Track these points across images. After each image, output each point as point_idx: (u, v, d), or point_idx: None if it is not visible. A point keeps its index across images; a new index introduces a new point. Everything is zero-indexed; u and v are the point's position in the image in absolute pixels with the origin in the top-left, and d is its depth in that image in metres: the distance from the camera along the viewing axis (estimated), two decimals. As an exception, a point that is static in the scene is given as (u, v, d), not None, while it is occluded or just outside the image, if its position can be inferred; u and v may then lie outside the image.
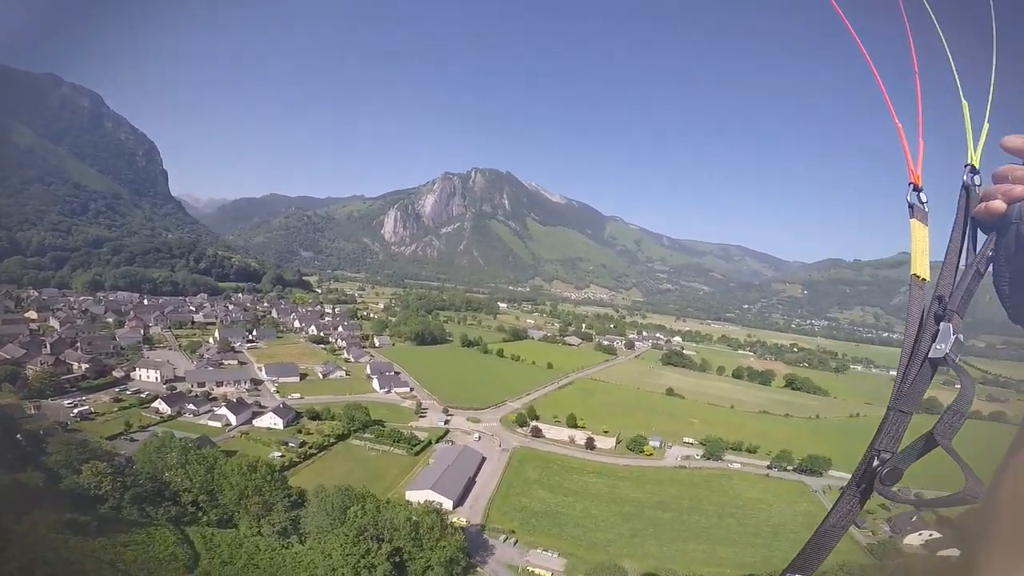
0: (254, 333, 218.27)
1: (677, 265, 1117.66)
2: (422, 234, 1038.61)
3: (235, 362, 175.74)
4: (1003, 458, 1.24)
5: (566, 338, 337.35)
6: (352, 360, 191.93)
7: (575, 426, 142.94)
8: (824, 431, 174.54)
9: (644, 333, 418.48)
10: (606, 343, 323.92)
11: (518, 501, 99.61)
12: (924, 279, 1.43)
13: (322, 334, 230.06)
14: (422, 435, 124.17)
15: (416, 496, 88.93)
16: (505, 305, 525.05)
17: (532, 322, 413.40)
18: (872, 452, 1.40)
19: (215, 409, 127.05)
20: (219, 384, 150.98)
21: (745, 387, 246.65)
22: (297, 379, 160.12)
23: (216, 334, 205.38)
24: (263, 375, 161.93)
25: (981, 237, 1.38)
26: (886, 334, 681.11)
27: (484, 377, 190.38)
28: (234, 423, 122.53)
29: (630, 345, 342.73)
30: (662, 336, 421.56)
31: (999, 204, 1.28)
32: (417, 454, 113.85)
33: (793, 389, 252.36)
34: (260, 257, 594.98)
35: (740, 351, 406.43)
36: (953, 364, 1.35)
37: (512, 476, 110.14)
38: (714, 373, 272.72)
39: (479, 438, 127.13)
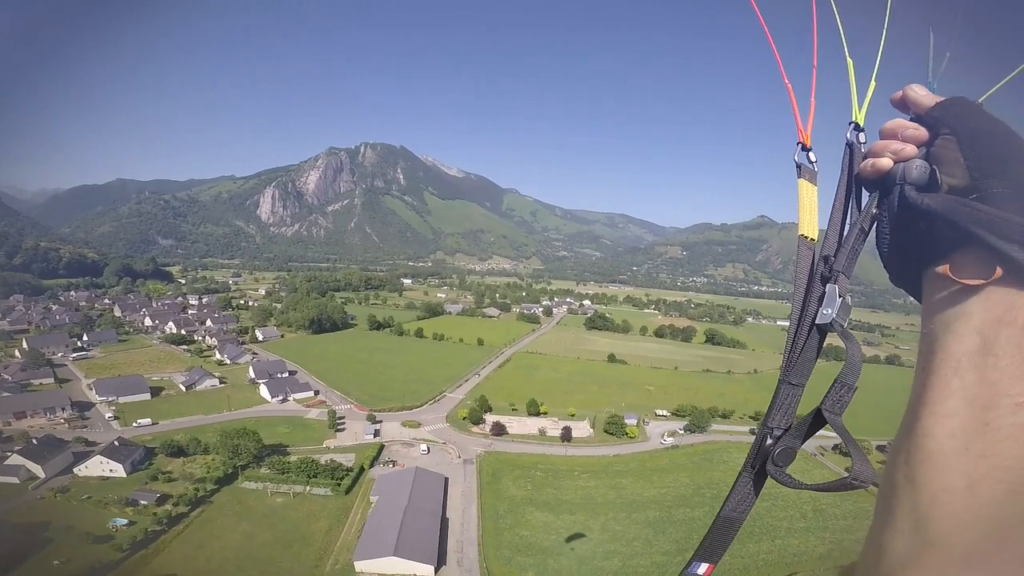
0: (84, 339, 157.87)
1: (571, 233, 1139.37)
2: (306, 213, 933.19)
3: (51, 380, 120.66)
4: (894, 440, 1.17)
5: (484, 310, 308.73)
6: (228, 362, 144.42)
7: (538, 413, 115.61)
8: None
9: (556, 299, 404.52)
10: (527, 312, 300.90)
11: (517, 537, 70.32)
12: (812, 239, 1.34)
13: (183, 332, 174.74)
14: (347, 459, 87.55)
15: (373, 568, 55.18)
16: (409, 281, 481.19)
17: (443, 296, 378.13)
18: (765, 430, 1.28)
19: (5, 456, 79.29)
20: (19, 416, 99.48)
21: (673, 346, 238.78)
22: (147, 396, 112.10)
23: (23, 344, 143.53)
24: (93, 396, 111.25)
25: (866, 196, 1.30)
26: (756, 287, 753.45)
27: (409, 365, 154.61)
28: (42, 475, 77.24)
29: (548, 312, 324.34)
30: (571, 300, 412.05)
31: (886, 162, 1.19)
32: (349, 491, 78.14)
33: (714, 344, 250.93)
34: (104, 248, 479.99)
35: (645, 310, 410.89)
36: (840, 330, 1.23)
37: (492, 499, 79.86)
38: (637, 334, 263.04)
39: (428, 450, 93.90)
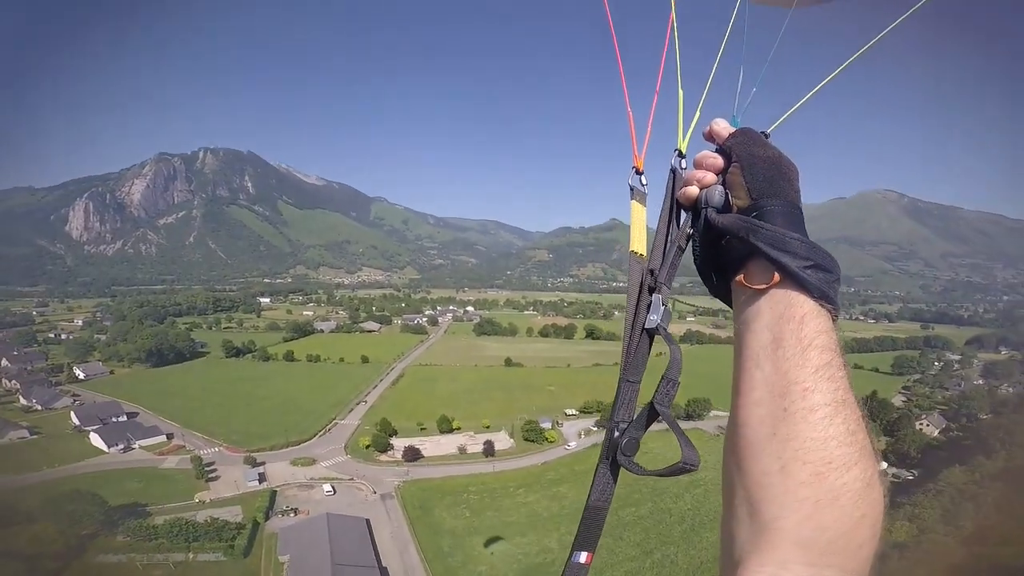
0: None
1: (445, 241, 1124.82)
2: (131, 228, 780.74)
3: None
4: (725, 433, 1.30)
5: (362, 324, 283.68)
6: (39, 408, 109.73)
7: (451, 430, 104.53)
8: (652, 372, 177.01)
9: (439, 308, 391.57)
10: (415, 323, 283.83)
11: (475, 575, 58.98)
12: (642, 255, 1.45)
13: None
14: (232, 514, 67.43)
15: None
16: (267, 299, 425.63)
17: (311, 313, 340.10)
18: (612, 424, 1.40)
19: None
20: None
21: (559, 344, 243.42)
22: None
23: None
24: None
25: (684, 217, 1.44)
26: (614, 283, 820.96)
27: (284, 394, 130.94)
28: None
29: (434, 322, 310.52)
30: (454, 307, 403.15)
31: (693, 190, 1.37)
32: (248, 553, 59.26)
33: (594, 339, 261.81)
34: None
35: (525, 312, 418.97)
36: (663, 334, 1.39)
37: (430, 536, 67.56)
38: (524, 335, 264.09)
39: (333, 490, 77.14)
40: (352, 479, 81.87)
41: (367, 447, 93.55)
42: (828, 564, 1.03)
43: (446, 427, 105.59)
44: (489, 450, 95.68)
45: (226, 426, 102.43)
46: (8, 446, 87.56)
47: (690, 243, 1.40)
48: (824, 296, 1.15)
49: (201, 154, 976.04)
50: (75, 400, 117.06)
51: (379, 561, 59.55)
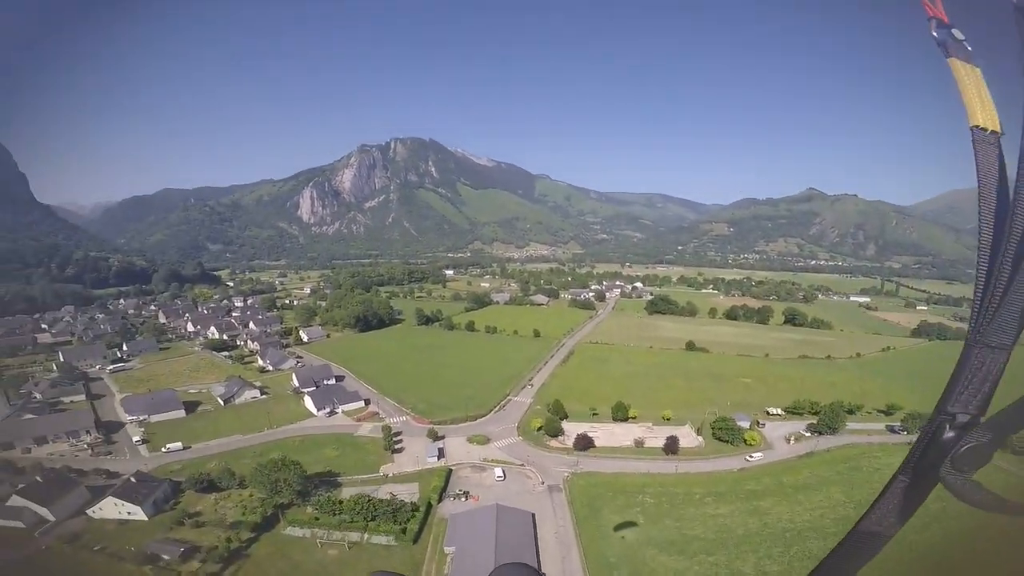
0: (124, 349, 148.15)
1: (608, 216, 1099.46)
2: (344, 211, 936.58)
3: (82, 397, 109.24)
4: None
5: (532, 297, 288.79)
6: (271, 368, 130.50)
7: (627, 418, 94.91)
8: (882, 371, 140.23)
9: (604, 283, 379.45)
10: (582, 298, 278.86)
11: None
12: (994, 131, 0.96)
13: (225, 336, 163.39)
14: (409, 491, 69.87)
15: None
16: (451, 272, 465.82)
17: (487, 285, 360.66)
18: (941, 416, 0.92)
19: (7, 496, 65.92)
20: (41, 441, 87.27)
21: (750, 329, 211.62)
22: (180, 414, 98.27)
23: (60, 358, 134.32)
24: (123, 414, 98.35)
25: None
26: (812, 261, 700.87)
27: (464, 364, 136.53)
28: (51, 519, 62.95)
29: (600, 297, 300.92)
30: (621, 283, 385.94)
31: None
32: (417, 539, 60.22)
33: (795, 325, 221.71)
34: (159, 256, 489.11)
35: (703, 290, 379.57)
36: None
37: (596, 541, 60.96)
38: (706, 316, 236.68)
39: (503, 476, 75.01)
40: (523, 465, 78.36)
41: (538, 430, 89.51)
42: None
43: (621, 415, 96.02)
44: (672, 447, 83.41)
45: (414, 394, 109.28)
46: (244, 405, 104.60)
47: None
48: None
49: (393, 144, 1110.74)
50: (298, 362, 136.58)
51: (539, 565, 53.97)
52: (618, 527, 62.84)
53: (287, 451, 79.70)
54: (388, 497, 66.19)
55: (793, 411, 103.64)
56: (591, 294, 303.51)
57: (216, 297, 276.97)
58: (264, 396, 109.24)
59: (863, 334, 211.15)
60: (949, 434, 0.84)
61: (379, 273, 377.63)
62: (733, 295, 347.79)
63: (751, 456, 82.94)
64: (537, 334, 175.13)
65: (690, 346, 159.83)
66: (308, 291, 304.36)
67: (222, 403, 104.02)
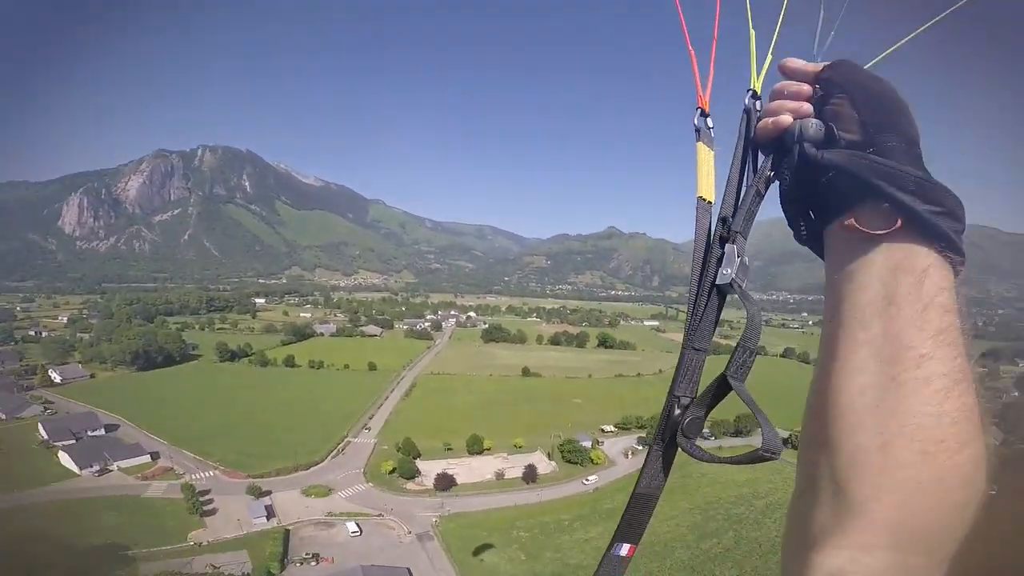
0: None
1: (442, 246, 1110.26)
2: (125, 224, 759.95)
3: None
4: (808, 400, 1.09)
5: (363, 328, 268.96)
6: (2, 417, 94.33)
7: (481, 451, 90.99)
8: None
9: (440, 312, 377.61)
10: (418, 328, 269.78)
11: None
12: (709, 201, 1.22)
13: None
14: (238, 562, 53.89)
15: None
16: (263, 300, 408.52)
17: (309, 316, 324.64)
18: (672, 399, 1.15)
19: None
20: None
21: (572, 353, 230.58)
22: None
23: None
24: None
25: (761, 160, 1.27)
26: (612, 291, 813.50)
27: (286, 405, 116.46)
28: None
29: (437, 327, 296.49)
30: (456, 312, 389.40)
31: (786, 118, 1.13)
32: None
33: (607, 347, 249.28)
34: None
35: (528, 319, 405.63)
36: (739, 291, 1.13)
37: None
38: (535, 343, 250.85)
39: (359, 530, 63.31)
40: (381, 515, 67.77)
41: (391, 472, 79.51)
42: (918, 551, 0.89)
43: (477, 448, 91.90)
44: (530, 475, 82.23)
45: (222, 444, 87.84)
46: None
47: (768, 187, 1.22)
48: (951, 247, 0.92)
49: (200, 151, 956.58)
50: (46, 409, 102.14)
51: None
52: (476, 551, 60.57)
53: (41, 519, 55.28)
54: (210, 571, 49.31)
55: (623, 426, 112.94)
56: (427, 324, 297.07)
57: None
58: None
59: (660, 352, 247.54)
60: (677, 411, 1.11)
61: (167, 300, 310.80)
62: (554, 322, 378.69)
63: (587, 479, 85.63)
64: (373, 367, 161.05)
65: (525, 372, 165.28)
66: (64, 320, 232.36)
67: None
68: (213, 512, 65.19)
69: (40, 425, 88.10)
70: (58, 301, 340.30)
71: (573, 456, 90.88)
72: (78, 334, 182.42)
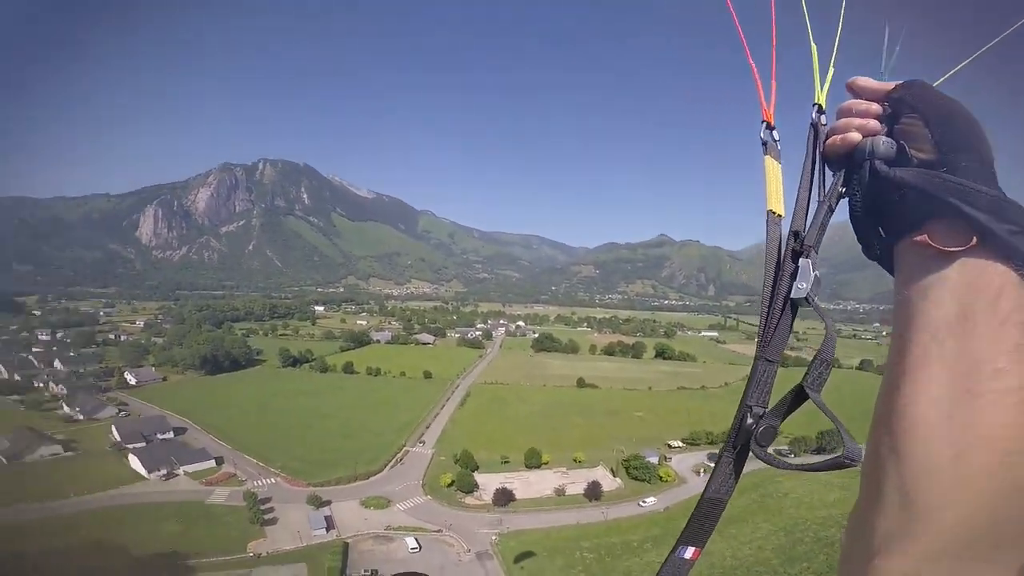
0: None
1: (489, 255, 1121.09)
2: (195, 235, 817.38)
3: None
4: (876, 412, 1.07)
5: (416, 336, 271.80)
6: (81, 417, 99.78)
7: (539, 465, 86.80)
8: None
9: (490, 321, 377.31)
10: (470, 337, 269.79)
11: None
12: (779, 215, 1.23)
13: (16, 377, 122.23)
14: None
15: None
16: (322, 308, 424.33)
17: (365, 323, 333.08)
18: (744, 409, 1.15)
19: None
20: None
21: (629, 364, 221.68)
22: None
23: None
24: None
25: (829, 176, 1.26)
26: (665, 300, 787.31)
27: (346, 412, 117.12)
28: None
29: (488, 336, 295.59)
30: (505, 321, 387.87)
31: (855, 136, 1.14)
32: None
33: (665, 359, 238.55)
34: None
35: (579, 328, 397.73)
36: (814, 304, 1.15)
37: None
38: (587, 353, 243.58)
39: (418, 546, 60.76)
40: (440, 530, 64.93)
41: (449, 486, 76.75)
42: (988, 559, 0.88)
43: (535, 462, 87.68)
44: (594, 492, 77.25)
45: (283, 450, 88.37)
46: (39, 464, 75.82)
47: (839, 203, 1.22)
48: None
49: (261, 165, 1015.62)
50: (121, 411, 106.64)
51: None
52: (518, 558, 58.05)
53: (107, 525, 56.30)
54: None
55: (691, 442, 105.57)
56: (478, 333, 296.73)
57: (13, 328, 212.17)
58: (71, 453, 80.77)
59: (722, 364, 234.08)
60: (749, 421, 1.11)
61: (234, 307, 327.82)
62: (605, 332, 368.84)
63: (644, 501, 78.91)
64: (428, 375, 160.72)
65: (581, 383, 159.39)
66: (142, 325, 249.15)
67: (4, 461, 72.96)
68: (273, 522, 64.20)
69: (114, 427, 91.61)
70: (136, 307, 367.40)
71: (639, 472, 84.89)
72: (152, 338, 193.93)
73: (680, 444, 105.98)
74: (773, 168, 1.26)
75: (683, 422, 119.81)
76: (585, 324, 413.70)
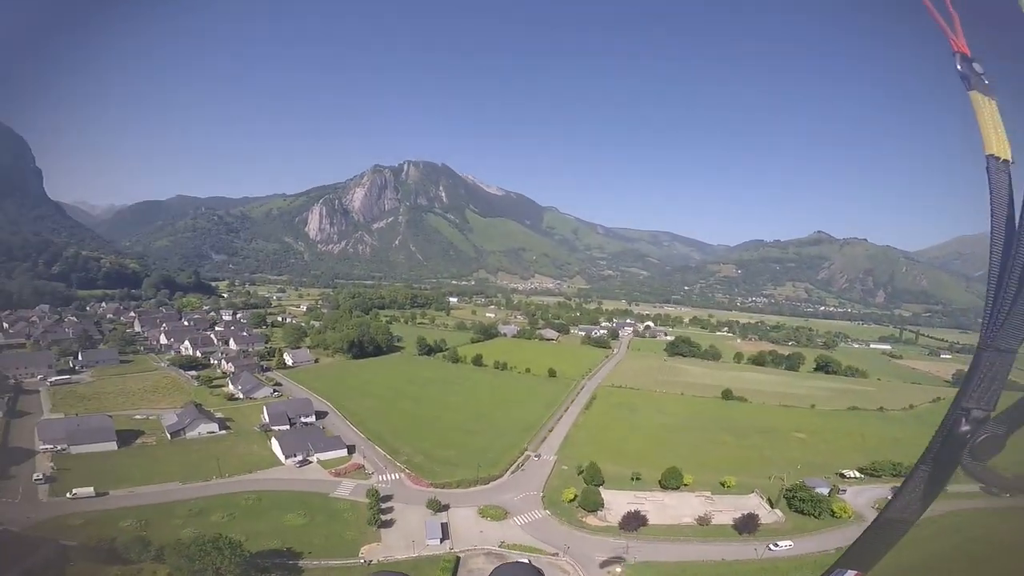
0: (79, 358, 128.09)
1: (614, 252, 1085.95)
2: (351, 230, 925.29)
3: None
4: None
5: (541, 331, 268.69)
6: (241, 396, 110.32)
7: (679, 487, 74.36)
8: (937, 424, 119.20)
9: (615, 320, 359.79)
10: (595, 335, 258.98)
11: None
12: (1006, 159, 1.01)
13: (199, 353, 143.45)
14: None
15: None
16: (455, 299, 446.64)
17: (492, 316, 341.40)
18: (959, 411, 0.97)
19: None
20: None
21: (783, 376, 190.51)
22: (111, 446, 77.72)
23: None
24: (37, 442, 77.75)
25: None
26: (821, 307, 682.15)
27: (472, 405, 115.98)
28: None
29: (614, 335, 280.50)
30: (632, 321, 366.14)
31: None
32: None
33: (827, 373, 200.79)
34: (161, 262, 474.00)
35: (718, 332, 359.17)
36: None
37: None
38: (732, 361, 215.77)
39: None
40: (556, 554, 57.26)
41: (570, 501, 68.67)
42: None
43: (673, 483, 75.16)
44: (747, 524, 63.14)
45: (411, 442, 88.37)
46: (196, 441, 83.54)
47: None
48: None
49: (406, 166, 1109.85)
50: (275, 391, 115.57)
51: None
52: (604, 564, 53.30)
53: (235, 512, 59.35)
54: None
55: (871, 473, 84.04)
56: (603, 331, 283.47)
57: (206, 308, 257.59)
58: (224, 432, 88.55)
59: (901, 383, 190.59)
60: (964, 427, 0.92)
61: (380, 295, 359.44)
62: (751, 339, 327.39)
63: (775, 544, 62.12)
64: (552, 374, 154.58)
65: (727, 395, 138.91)
66: (305, 309, 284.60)
67: (168, 436, 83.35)
68: (391, 523, 61.96)
69: (264, 408, 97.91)
70: (303, 292, 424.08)
71: (805, 505, 68.05)
72: (312, 322, 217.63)
73: (857, 475, 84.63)
74: (985, 105, 1.04)
75: (857, 448, 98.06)
76: (726, 329, 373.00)
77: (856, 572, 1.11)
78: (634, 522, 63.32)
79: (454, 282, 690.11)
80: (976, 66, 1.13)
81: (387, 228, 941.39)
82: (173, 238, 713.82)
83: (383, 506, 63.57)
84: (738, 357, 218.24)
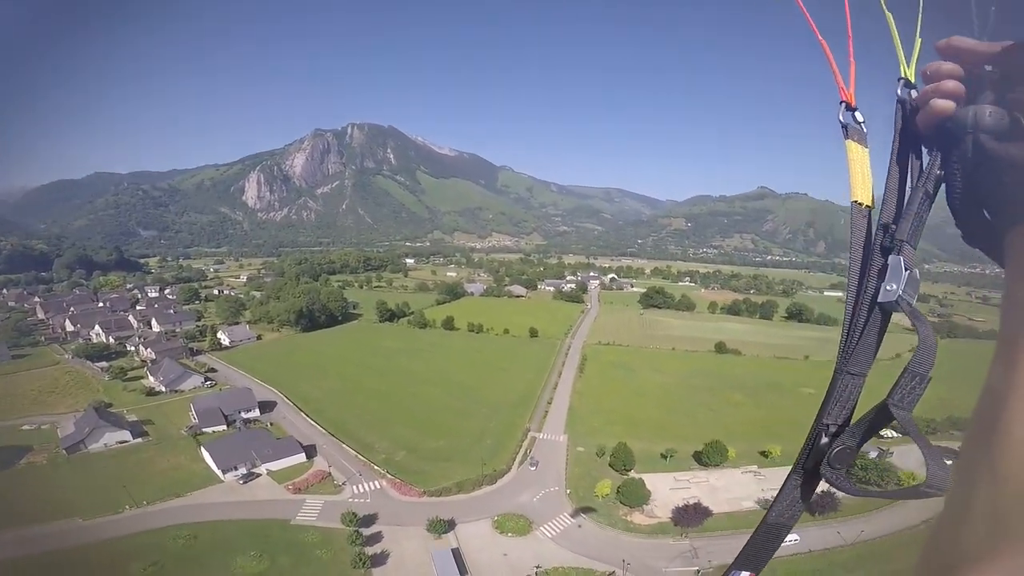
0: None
1: (569, 209, 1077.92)
2: (294, 197, 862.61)
3: None
4: (972, 425, 0.95)
5: (509, 288, 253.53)
6: (163, 389, 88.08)
7: (720, 463, 62.76)
8: (938, 374, 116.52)
9: (580, 274, 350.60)
10: (565, 289, 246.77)
11: None
12: (867, 206, 1.11)
13: (111, 339, 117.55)
14: None
15: None
16: (411, 261, 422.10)
17: (454, 275, 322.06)
18: (819, 427, 1.08)
19: None
20: None
21: (761, 326, 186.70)
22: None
23: None
24: None
25: (926, 157, 1.09)
26: (768, 257, 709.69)
27: (452, 377, 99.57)
28: None
29: (583, 288, 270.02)
30: (595, 274, 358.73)
31: (946, 104, 0.97)
32: None
33: (800, 321, 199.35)
34: (82, 243, 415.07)
35: (680, 283, 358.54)
36: (907, 308, 1.00)
37: None
38: (706, 311, 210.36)
39: None
40: (614, 573, 43.52)
41: (606, 496, 54.83)
42: None
43: (715, 459, 63.10)
44: (824, 502, 52.00)
45: (387, 431, 71.52)
46: (103, 455, 62.66)
47: (939, 188, 1.03)
48: None
49: (349, 129, 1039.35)
50: (207, 380, 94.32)
51: None
52: None
53: (162, 560, 41.39)
54: None
55: (904, 430, 75.58)
56: (572, 285, 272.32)
57: (129, 287, 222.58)
58: (140, 440, 67.98)
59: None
60: (824, 440, 1.01)
61: (330, 260, 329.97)
62: (713, 288, 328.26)
63: (787, 540, 52.42)
64: (534, 333, 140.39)
65: (720, 348, 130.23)
66: (244, 279, 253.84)
67: (64, 452, 62.21)
68: (383, 560, 45.41)
69: (192, 406, 77.17)
70: (243, 263, 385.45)
71: (868, 475, 57.89)
72: (252, 292, 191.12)
73: (894, 435, 76.23)
74: (858, 154, 1.10)
75: (872, 401, 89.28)
76: (688, 279, 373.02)
77: (749, 573, 1.20)
78: (695, 515, 50.43)
79: (408, 244, 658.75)
80: (858, 115, 1.18)
81: (332, 193, 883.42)
82: (93, 216, 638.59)
83: (367, 533, 47.10)
84: (712, 307, 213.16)
